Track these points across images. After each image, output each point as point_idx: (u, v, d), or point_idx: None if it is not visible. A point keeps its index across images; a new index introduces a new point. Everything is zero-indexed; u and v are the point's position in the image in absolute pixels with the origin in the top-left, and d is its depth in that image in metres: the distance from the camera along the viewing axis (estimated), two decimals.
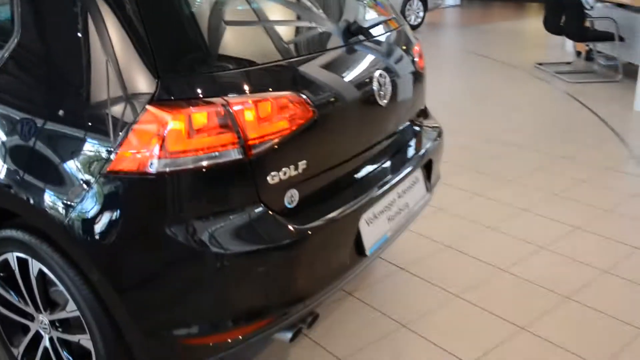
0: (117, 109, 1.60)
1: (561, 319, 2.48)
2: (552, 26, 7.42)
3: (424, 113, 2.69)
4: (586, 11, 6.92)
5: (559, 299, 2.62)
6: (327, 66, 1.98)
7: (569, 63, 7.72)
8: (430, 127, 2.63)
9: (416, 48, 2.52)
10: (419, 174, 2.39)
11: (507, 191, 3.78)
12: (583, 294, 2.65)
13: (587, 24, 7.04)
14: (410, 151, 2.40)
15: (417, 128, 2.54)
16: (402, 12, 11.10)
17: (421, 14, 11.42)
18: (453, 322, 2.49)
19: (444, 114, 5.42)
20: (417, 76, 2.47)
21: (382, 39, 2.32)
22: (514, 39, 10.24)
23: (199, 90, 1.63)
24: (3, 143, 1.80)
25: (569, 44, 8.39)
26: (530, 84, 6.76)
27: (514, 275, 2.82)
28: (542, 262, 2.93)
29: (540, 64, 7.61)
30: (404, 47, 2.43)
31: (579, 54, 8.09)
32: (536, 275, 2.80)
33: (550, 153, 4.44)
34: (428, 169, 2.48)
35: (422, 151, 2.42)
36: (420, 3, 11.32)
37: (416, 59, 2.47)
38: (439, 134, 2.62)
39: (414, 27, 11.40)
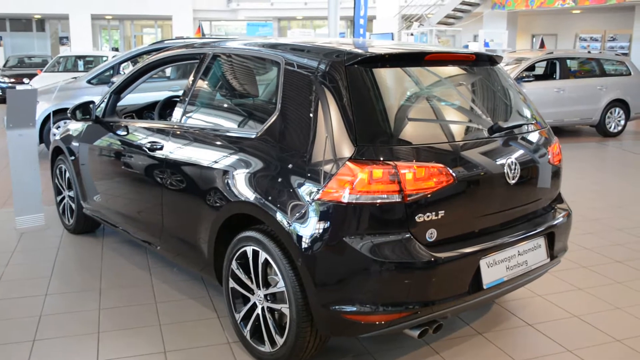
0: (328, 162, 2.63)
1: None
2: None
3: (559, 198, 3.39)
4: None
5: None
6: (470, 151, 2.84)
7: None
8: (559, 208, 3.31)
9: (552, 146, 3.26)
10: (540, 241, 3.08)
11: None
12: None
13: None
14: (534, 222, 3.11)
15: (545, 207, 3.24)
16: (603, 118, 11.31)
17: (622, 122, 11.51)
18: None
19: (610, 215, 5.81)
20: (549, 167, 3.20)
21: (520, 136, 3.11)
22: None
23: (380, 157, 2.60)
24: (258, 179, 2.91)
25: None
26: None
27: (625, 345, 3.28)
28: None
29: None
30: (540, 144, 3.20)
31: None
32: None
33: None
34: (551, 239, 3.15)
35: (546, 224, 3.12)
36: (622, 111, 11.44)
37: (549, 155, 3.21)
38: (567, 216, 3.29)
39: (614, 135, 11.50)
